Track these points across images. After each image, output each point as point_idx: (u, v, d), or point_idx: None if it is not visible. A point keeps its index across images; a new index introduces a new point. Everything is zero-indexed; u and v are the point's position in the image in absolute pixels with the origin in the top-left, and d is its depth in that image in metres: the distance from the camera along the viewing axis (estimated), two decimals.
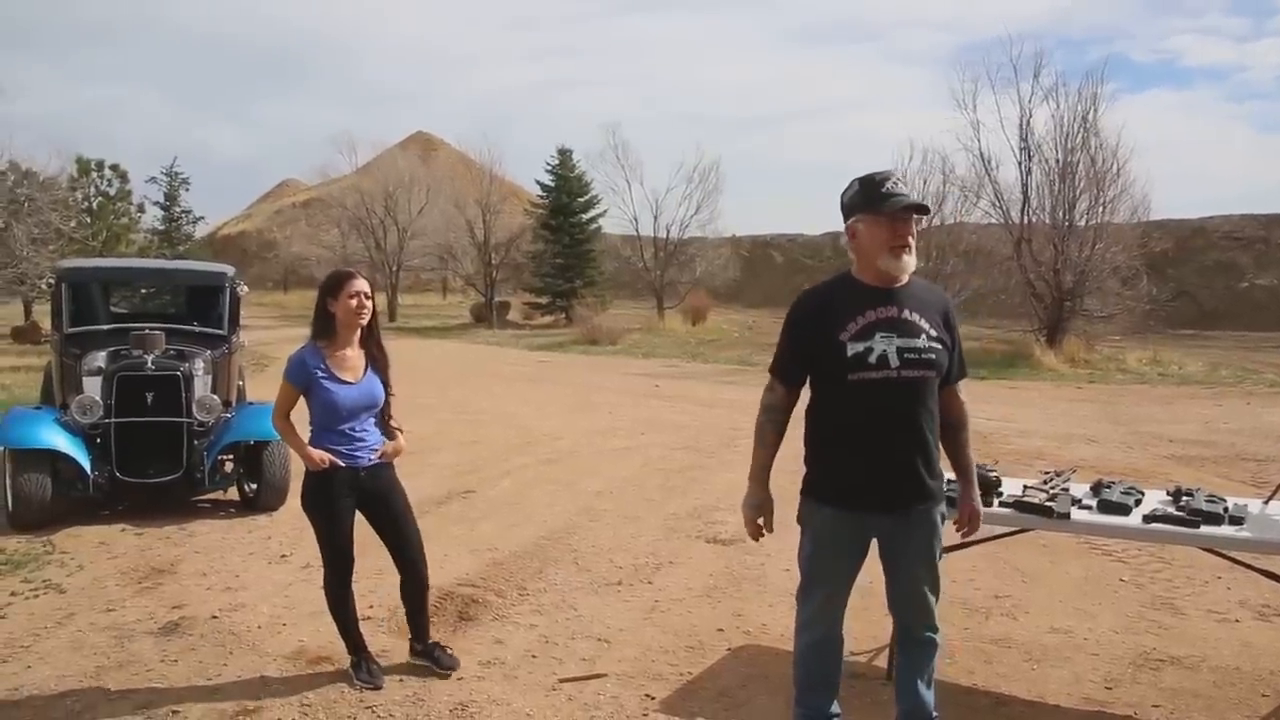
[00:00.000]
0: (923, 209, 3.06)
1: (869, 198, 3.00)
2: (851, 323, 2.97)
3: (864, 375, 2.94)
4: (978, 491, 3.29)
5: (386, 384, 4.04)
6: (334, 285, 3.92)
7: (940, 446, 3.13)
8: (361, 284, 3.92)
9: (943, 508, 3.18)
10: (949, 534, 3.30)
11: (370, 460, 3.97)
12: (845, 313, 3.00)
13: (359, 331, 3.96)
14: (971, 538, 3.76)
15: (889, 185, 2.99)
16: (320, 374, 3.84)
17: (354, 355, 3.95)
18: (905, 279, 3.06)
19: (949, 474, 3.31)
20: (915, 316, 3.01)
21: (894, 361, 2.94)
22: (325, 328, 3.92)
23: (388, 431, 4.10)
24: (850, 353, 2.94)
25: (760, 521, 3.23)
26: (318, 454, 3.84)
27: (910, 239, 2.99)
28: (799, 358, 3.09)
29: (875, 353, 2.94)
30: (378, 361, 4.01)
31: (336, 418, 3.88)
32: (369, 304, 3.93)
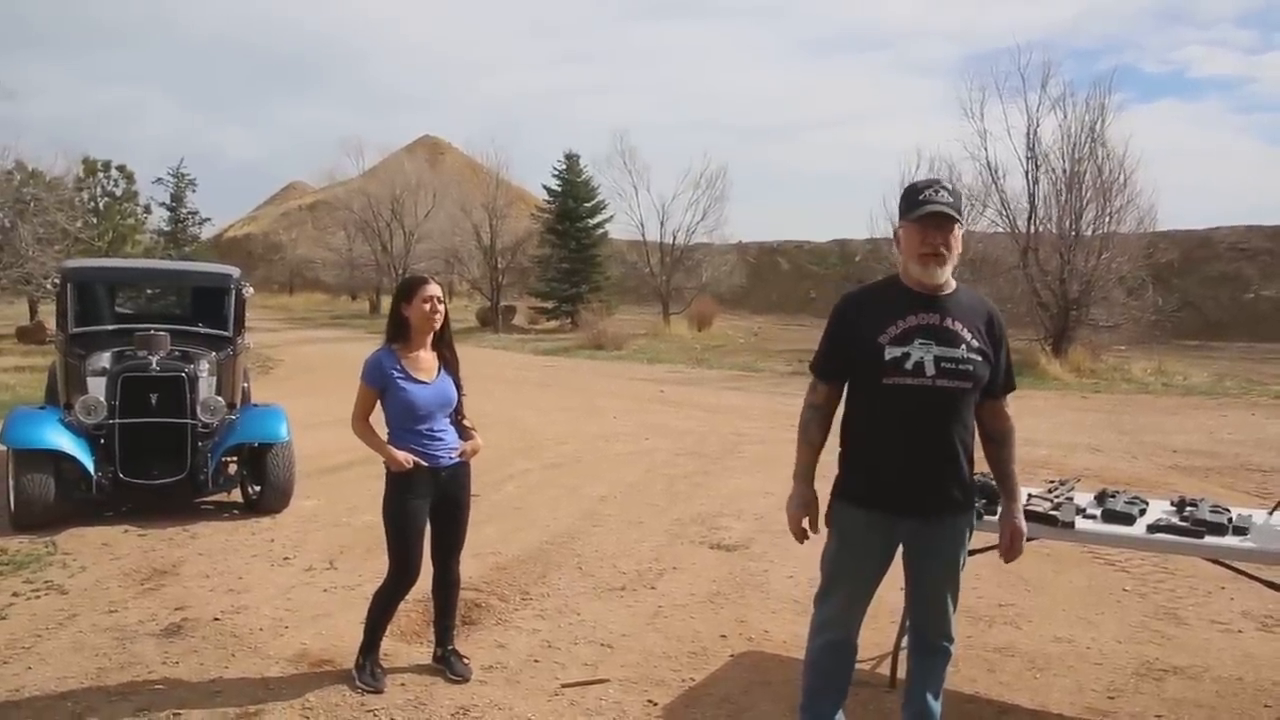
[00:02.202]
0: (947, 216, 2.95)
1: (907, 205, 3.01)
2: (892, 326, 2.97)
3: (898, 380, 2.93)
4: (1021, 508, 3.23)
5: (459, 384, 4.10)
6: (408, 290, 4.00)
7: (971, 459, 3.11)
8: (434, 289, 4.00)
9: (971, 519, 3.17)
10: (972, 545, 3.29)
11: (450, 460, 4.03)
12: (887, 316, 2.99)
13: (431, 334, 4.02)
14: (976, 545, 3.75)
15: (926, 194, 2.96)
16: (397, 374, 3.91)
17: (427, 357, 4.02)
18: (947, 287, 3.04)
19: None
20: (957, 326, 2.99)
21: (930, 370, 2.92)
22: (399, 331, 4.00)
23: (463, 432, 4.15)
24: (888, 356, 2.93)
25: (805, 522, 3.16)
26: (402, 454, 3.89)
27: (943, 248, 2.95)
28: (838, 356, 3.09)
29: (912, 359, 2.93)
30: (450, 363, 4.09)
31: (414, 417, 3.94)
32: (441, 308, 4.00)
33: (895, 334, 2.95)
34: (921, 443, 2.98)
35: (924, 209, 2.94)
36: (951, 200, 2.97)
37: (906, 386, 2.92)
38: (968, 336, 2.99)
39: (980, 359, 3.00)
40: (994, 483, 3.89)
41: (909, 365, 2.92)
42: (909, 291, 3.03)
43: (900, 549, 3.13)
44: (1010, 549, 3.21)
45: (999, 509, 3.26)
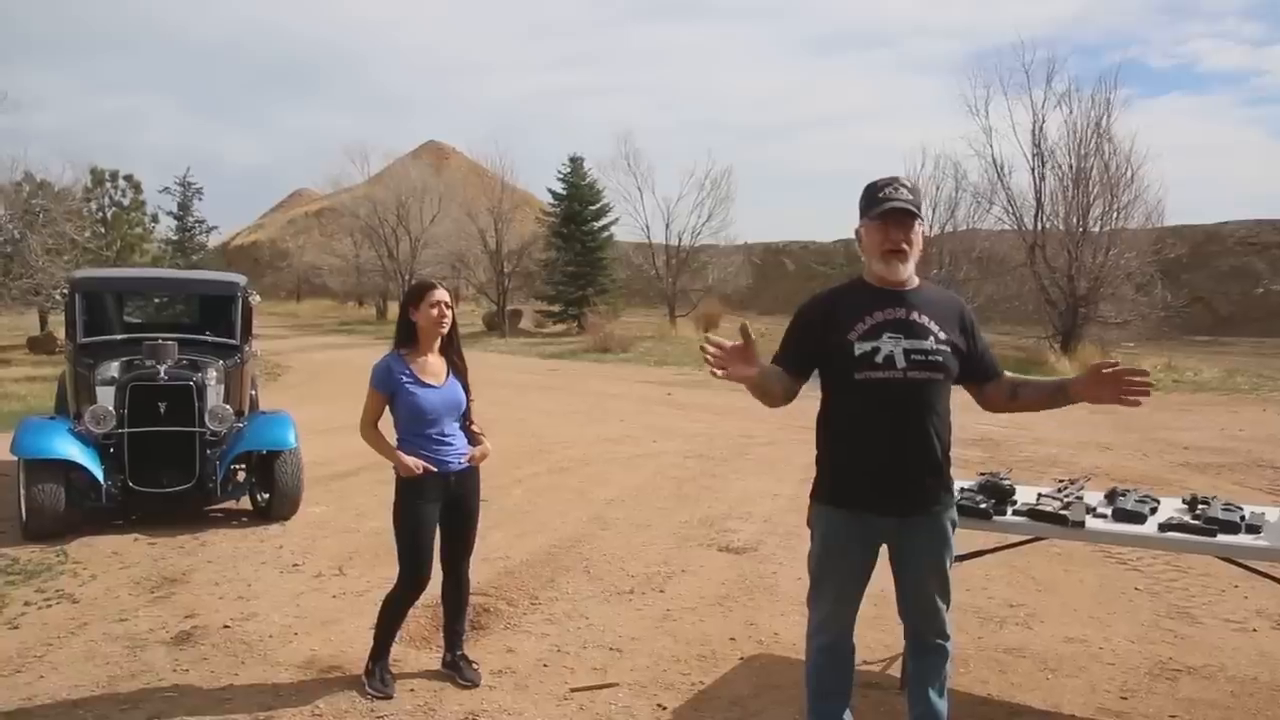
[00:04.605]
0: (907, 213, 2.99)
1: (867, 202, 3.04)
2: (860, 323, 2.99)
3: (870, 375, 2.94)
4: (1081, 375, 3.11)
5: (467, 389, 4.10)
6: (416, 295, 4.02)
7: (948, 454, 3.10)
8: (442, 294, 4.01)
9: (953, 514, 3.16)
10: (965, 543, 3.28)
11: (459, 465, 4.03)
12: (854, 313, 3.01)
13: (440, 340, 4.02)
14: (987, 545, 3.76)
15: (886, 191, 3.00)
16: (405, 379, 3.92)
17: (436, 361, 4.02)
18: (911, 282, 3.07)
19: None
20: (924, 319, 3.02)
21: (900, 362, 2.94)
22: (408, 336, 4.01)
23: (471, 437, 4.15)
24: (857, 351, 2.95)
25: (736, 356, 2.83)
26: (411, 460, 3.90)
27: (904, 244, 2.99)
28: (800, 352, 3.08)
29: (882, 352, 2.94)
30: (458, 369, 4.09)
31: (423, 421, 3.94)
32: (449, 313, 4.01)
33: (864, 330, 2.97)
34: (897, 436, 2.98)
35: (884, 206, 2.98)
36: (911, 197, 3.02)
37: (878, 380, 2.94)
38: (935, 329, 3.02)
39: (949, 350, 3.02)
40: (1002, 482, 3.91)
41: (879, 359, 2.94)
42: (874, 289, 3.06)
43: (885, 549, 3.12)
44: (1114, 380, 2.97)
45: (1073, 380, 3.12)
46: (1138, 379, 2.95)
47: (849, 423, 3.04)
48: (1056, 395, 3.18)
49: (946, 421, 3.08)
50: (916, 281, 3.09)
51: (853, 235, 3.20)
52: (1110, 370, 2.99)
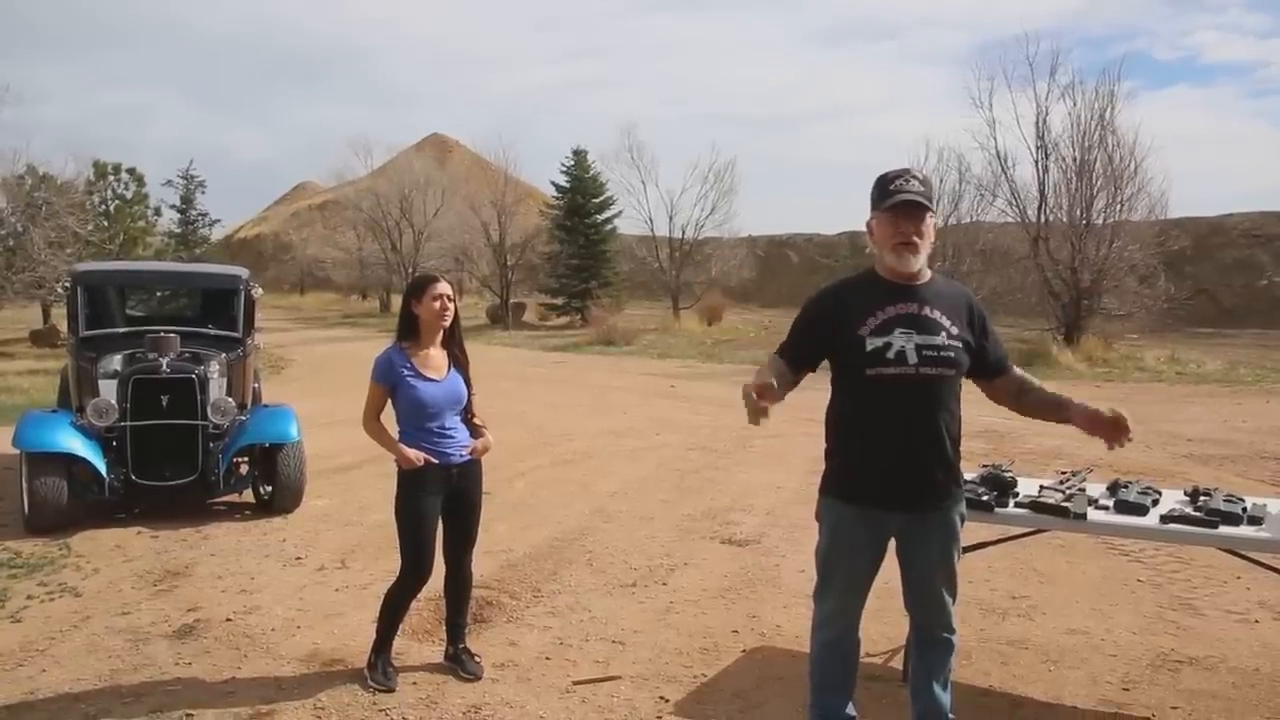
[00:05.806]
0: (919, 205, 2.96)
1: (879, 195, 3.01)
2: (871, 318, 2.96)
3: (881, 371, 2.92)
4: (1085, 405, 3.13)
5: (468, 382, 4.09)
6: (418, 288, 4.00)
7: (958, 449, 3.09)
8: (444, 287, 3.99)
9: (962, 509, 3.15)
10: (967, 535, 3.27)
11: (461, 457, 4.03)
12: (865, 308, 2.99)
13: (441, 333, 4.01)
14: (989, 538, 3.75)
15: (897, 183, 2.97)
16: (406, 372, 3.91)
17: (437, 355, 4.01)
18: (923, 276, 3.04)
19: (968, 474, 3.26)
20: (936, 314, 3.00)
21: (912, 358, 2.92)
22: (409, 329, 4.00)
23: (473, 430, 4.14)
24: (869, 347, 2.93)
25: (756, 393, 2.88)
26: (413, 452, 3.89)
27: (916, 237, 2.96)
28: (808, 345, 3.07)
29: (894, 348, 2.92)
30: (460, 362, 4.08)
31: (424, 415, 3.94)
32: (451, 306, 3.99)
33: (875, 325, 2.95)
34: (909, 433, 2.97)
35: (896, 199, 2.95)
36: (922, 189, 2.99)
37: (890, 376, 2.92)
38: (947, 324, 3.00)
39: (960, 345, 3.01)
40: (1004, 474, 3.90)
41: (891, 355, 2.92)
42: (885, 282, 3.04)
43: (893, 543, 3.12)
44: (1112, 426, 3.08)
45: (1075, 408, 3.12)
46: (1126, 430, 3.07)
47: (860, 419, 3.03)
48: (1055, 411, 3.19)
49: (957, 417, 3.06)
50: (928, 275, 3.07)
51: (862, 227, 3.17)
52: (1112, 419, 3.06)
